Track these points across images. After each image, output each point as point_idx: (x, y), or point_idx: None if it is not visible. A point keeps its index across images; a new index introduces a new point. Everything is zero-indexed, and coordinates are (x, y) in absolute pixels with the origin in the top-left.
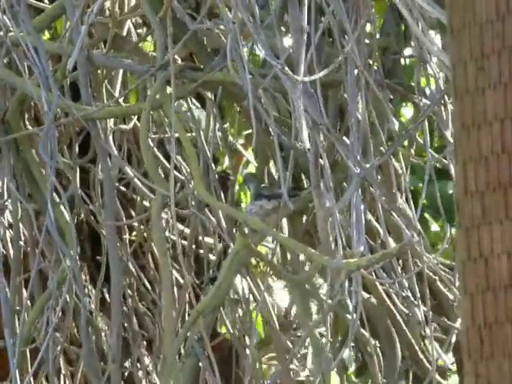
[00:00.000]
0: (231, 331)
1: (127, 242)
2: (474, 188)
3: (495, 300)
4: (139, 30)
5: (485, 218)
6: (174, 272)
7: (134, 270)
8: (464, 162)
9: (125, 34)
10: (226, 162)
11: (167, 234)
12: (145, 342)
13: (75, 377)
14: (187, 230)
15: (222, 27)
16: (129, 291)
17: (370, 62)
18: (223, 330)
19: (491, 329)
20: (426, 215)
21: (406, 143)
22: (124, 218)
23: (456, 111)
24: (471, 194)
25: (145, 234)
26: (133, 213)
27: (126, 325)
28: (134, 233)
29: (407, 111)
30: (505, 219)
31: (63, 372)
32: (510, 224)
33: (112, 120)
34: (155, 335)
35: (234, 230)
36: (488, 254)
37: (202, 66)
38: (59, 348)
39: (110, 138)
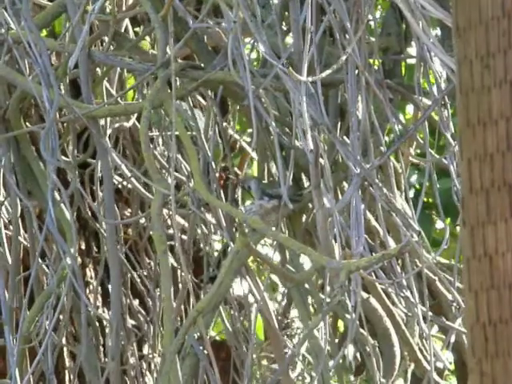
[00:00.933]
0: (230, 332)
1: (122, 239)
2: (479, 186)
3: (500, 298)
4: (136, 29)
5: (490, 216)
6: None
7: (129, 267)
8: (469, 160)
9: (122, 31)
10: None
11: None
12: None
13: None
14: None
15: (223, 26)
16: (123, 289)
17: (371, 61)
18: (216, 331)
19: (496, 327)
20: (433, 213)
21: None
22: (119, 216)
23: (461, 109)
24: (476, 192)
25: (140, 232)
26: (128, 210)
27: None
28: (130, 230)
29: (411, 108)
30: (510, 218)
31: (67, 368)
32: None
33: (109, 118)
34: (149, 333)
35: (234, 229)
36: (493, 252)
37: (203, 65)
38: (59, 347)
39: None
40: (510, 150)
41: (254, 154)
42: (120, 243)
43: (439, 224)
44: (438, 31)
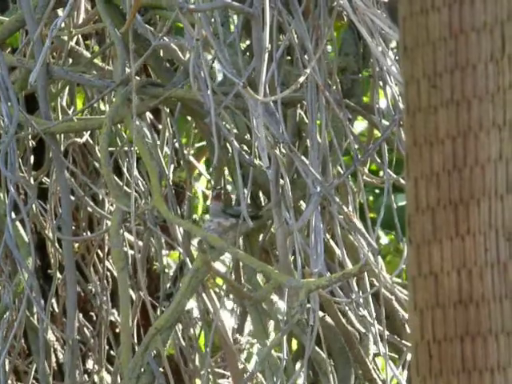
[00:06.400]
0: (179, 350)
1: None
2: (425, 205)
3: (444, 316)
4: (87, 42)
5: (435, 234)
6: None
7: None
8: (415, 179)
9: (74, 44)
10: (184, 176)
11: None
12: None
13: None
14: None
15: (183, 43)
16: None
17: (329, 81)
18: (171, 352)
19: (440, 345)
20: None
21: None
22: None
23: (408, 129)
24: (422, 210)
25: (88, 246)
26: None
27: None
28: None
29: (359, 125)
30: (455, 236)
31: None
32: (460, 241)
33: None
34: (95, 347)
35: (192, 247)
36: (438, 270)
37: (161, 82)
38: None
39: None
40: (456, 169)
41: (201, 168)
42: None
43: (383, 239)
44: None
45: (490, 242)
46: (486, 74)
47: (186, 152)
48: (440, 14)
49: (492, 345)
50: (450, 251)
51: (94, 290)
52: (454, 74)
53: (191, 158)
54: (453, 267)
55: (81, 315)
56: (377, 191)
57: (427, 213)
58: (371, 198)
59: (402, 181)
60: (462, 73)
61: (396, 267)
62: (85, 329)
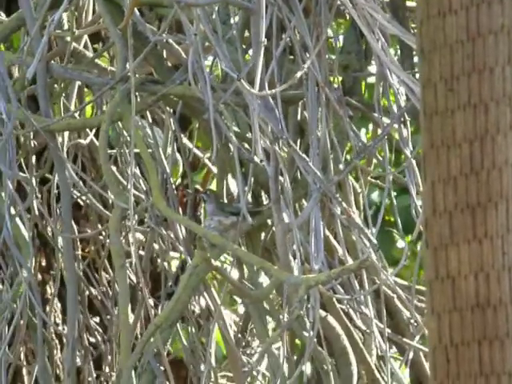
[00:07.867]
0: (187, 350)
1: (80, 257)
2: (442, 208)
3: (462, 320)
4: (96, 45)
5: (453, 238)
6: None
7: (88, 284)
8: (433, 182)
9: (81, 47)
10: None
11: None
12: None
13: None
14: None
15: (183, 40)
16: (80, 307)
17: (331, 79)
18: (177, 346)
19: (457, 349)
20: (394, 232)
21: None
22: (77, 232)
23: (425, 132)
24: (439, 214)
25: (99, 250)
26: (87, 228)
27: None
28: (87, 249)
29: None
30: (472, 240)
31: None
32: (477, 244)
33: (67, 135)
34: (107, 351)
35: (192, 246)
36: (455, 274)
37: (163, 80)
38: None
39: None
40: (473, 172)
41: (215, 171)
42: (78, 260)
43: (400, 243)
44: (398, 51)
45: (507, 246)
46: (504, 77)
47: (201, 155)
48: (457, 16)
49: (510, 348)
50: (468, 255)
51: (100, 294)
52: (471, 77)
53: (206, 161)
54: (470, 271)
55: (94, 319)
56: (394, 194)
57: (444, 216)
58: (387, 200)
59: (404, 178)
60: (479, 76)
61: (411, 272)
62: (96, 333)
